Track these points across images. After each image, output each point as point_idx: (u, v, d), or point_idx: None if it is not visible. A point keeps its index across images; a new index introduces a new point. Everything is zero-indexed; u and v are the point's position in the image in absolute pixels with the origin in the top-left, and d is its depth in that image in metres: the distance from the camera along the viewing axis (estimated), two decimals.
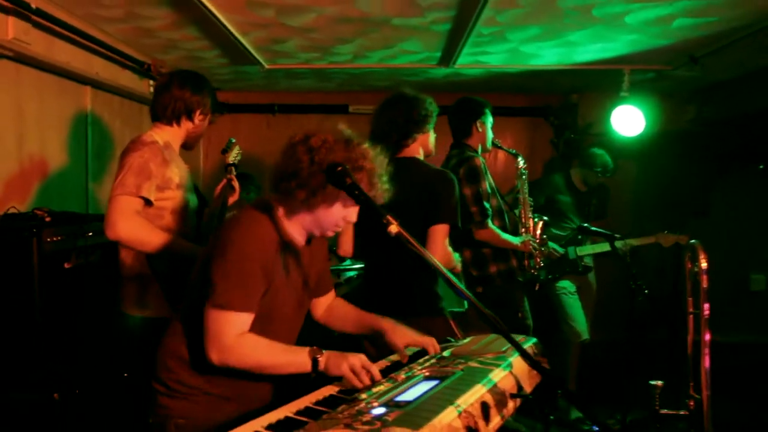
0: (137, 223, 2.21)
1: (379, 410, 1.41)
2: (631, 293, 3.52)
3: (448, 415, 1.37)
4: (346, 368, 1.63)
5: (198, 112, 2.51)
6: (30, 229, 2.24)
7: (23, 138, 2.81)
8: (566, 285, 4.24)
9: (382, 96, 2.89)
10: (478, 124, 3.47)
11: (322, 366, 1.65)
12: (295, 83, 4.79)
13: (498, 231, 3.34)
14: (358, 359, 1.65)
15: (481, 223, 3.25)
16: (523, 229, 3.66)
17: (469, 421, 1.42)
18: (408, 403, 1.46)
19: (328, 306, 2.13)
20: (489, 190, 3.38)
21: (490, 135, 3.52)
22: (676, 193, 5.11)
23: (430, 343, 1.97)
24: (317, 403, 1.59)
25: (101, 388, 2.43)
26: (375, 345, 2.38)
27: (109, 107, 3.62)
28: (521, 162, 3.69)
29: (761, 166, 4.87)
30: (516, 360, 1.84)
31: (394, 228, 1.53)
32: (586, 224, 3.76)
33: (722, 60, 3.84)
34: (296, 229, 1.79)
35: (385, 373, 1.78)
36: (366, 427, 1.29)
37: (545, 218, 3.69)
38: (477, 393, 1.53)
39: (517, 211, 3.77)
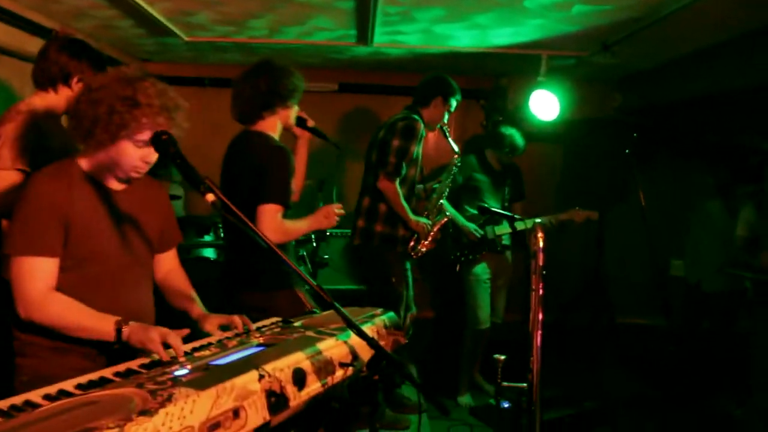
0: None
1: (182, 371, 1.46)
2: (526, 271, 3.62)
3: (248, 377, 1.43)
4: (153, 341, 1.66)
5: (75, 79, 2.44)
6: None
7: None
8: (480, 272, 4.33)
9: (311, 73, 2.91)
10: (437, 102, 3.61)
11: (125, 336, 1.69)
12: (222, 57, 4.77)
13: (400, 193, 3.42)
14: (158, 333, 1.67)
15: (389, 174, 3.34)
16: (426, 213, 3.73)
17: (272, 385, 1.47)
18: (217, 366, 1.52)
19: (168, 271, 2.15)
20: (414, 156, 3.46)
21: (443, 116, 3.64)
22: (598, 178, 5.24)
23: (238, 320, 1.97)
24: (142, 365, 1.63)
25: None
26: None
27: (19, 73, 3.57)
28: (456, 159, 3.80)
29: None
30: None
31: (210, 196, 1.57)
32: (485, 204, 3.85)
33: (634, 48, 3.92)
34: (105, 172, 1.85)
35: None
36: (155, 386, 1.34)
37: (449, 215, 3.77)
38: (292, 359, 1.59)
39: (431, 198, 3.84)
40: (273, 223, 2.50)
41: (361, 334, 1.66)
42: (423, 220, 3.61)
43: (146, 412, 1.18)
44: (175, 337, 1.69)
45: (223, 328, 1.99)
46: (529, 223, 4.37)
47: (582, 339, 5.06)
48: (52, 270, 1.73)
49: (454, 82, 3.66)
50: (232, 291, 2.69)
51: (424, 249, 3.68)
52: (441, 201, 3.80)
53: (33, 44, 3.48)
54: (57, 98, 2.46)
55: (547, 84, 4.21)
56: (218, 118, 5.14)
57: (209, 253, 3.86)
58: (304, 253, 4.16)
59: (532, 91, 4.27)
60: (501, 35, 3.73)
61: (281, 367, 1.53)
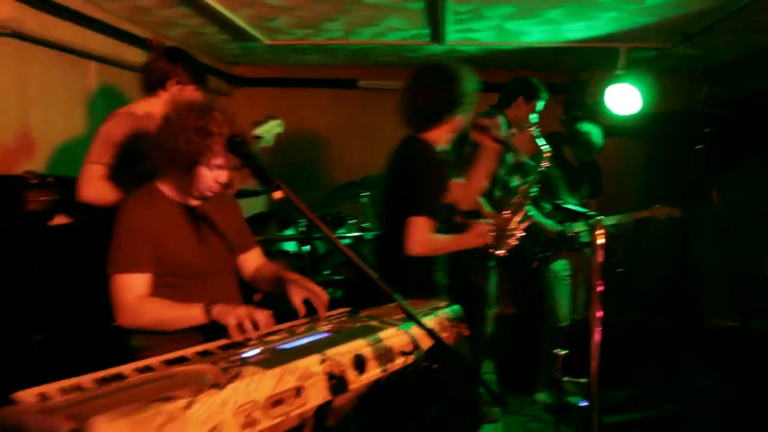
0: (100, 187, 2.47)
1: (252, 353, 1.60)
2: (605, 270, 3.56)
3: (310, 360, 1.54)
4: (232, 318, 1.82)
5: (173, 82, 2.69)
6: (15, 190, 2.52)
7: (26, 110, 3.09)
8: (559, 268, 4.28)
9: (389, 71, 2.94)
10: (518, 102, 3.58)
11: (214, 314, 1.86)
12: (303, 58, 4.97)
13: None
14: (247, 310, 1.83)
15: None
16: (509, 210, 3.68)
17: (333, 369, 1.57)
18: (284, 350, 1.64)
19: (256, 267, 2.32)
20: None
21: (528, 116, 3.57)
22: (682, 173, 5.05)
23: (320, 293, 2.06)
24: (219, 347, 1.79)
25: (80, 332, 2.69)
26: None
27: (119, 81, 3.88)
28: (545, 160, 3.69)
29: None
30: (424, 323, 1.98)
31: (278, 194, 1.69)
32: (559, 201, 3.80)
33: (718, 39, 3.79)
34: (176, 192, 2.07)
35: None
36: (226, 365, 1.47)
37: (530, 214, 3.70)
38: (353, 345, 1.68)
39: (513, 196, 3.79)
40: (421, 236, 2.45)
41: (420, 324, 1.74)
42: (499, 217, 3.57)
43: (216, 386, 1.32)
44: (256, 314, 1.84)
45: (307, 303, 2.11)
46: (613, 220, 4.29)
47: (667, 340, 4.92)
48: (144, 283, 1.96)
49: (538, 81, 3.60)
50: None
51: (506, 248, 3.65)
52: (526, 201, 3.72)
53: (129, 53, 3.79)
54: (158, 102, 2.71)
55: (626, 77, 4.11)
56: (300, 117, 5.43)
57: (290, 246, 4.05)
58: None
59: (610, 84, 4.18)
60: (574, 30, 3.70)
61: (342, 353, 1.63)
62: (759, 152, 4.96)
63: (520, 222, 3.62)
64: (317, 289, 2.10)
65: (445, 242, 2.60)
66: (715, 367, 4.63)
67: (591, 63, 4.81)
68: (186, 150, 1.94)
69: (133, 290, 1.93)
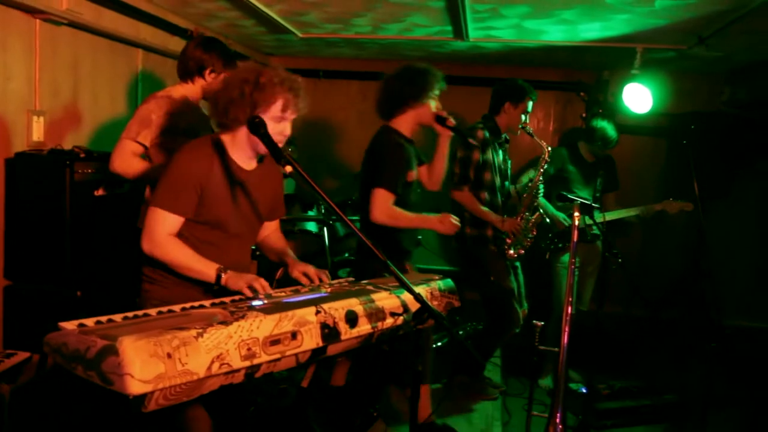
0: (130, 161, 2.75)
1: (258, 303, 1.86)
2: (604, 261, 3.71)
3: (306, 311, 1.80)
4: (242, 282, 2.07)
5: (208, 70, 2.95)
6: (64, 161, 2.84)
7: (77, 91, 3.42)
8: (569, 260, 4.44)
9: None
10: (506, 107, 3.74)
11: (223, 281, 2.10)
12: (335, 50, 5.22)
13: (474, 199, 3.64)
14: (256, 279, 2.08)
15: (456, 185, 3.59)
16: (520, 212, 3.84)
17: (326, 320, 1.83)
18: (286, 302, 1.90)
19: (269, 233, 2.56)
20: (481, 162, 3.66)
21: (520, 119, 3.72)
22: (702, 172, 5.12)
23: (312, 270, 2.33)
24: (232, 300, 2.06)
25: (116, 289, 2.99)
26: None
27: (162, 67, 4.21)
28: (546, 156, 3.84)
29: None
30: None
31: (288, 168, 1.94)
32: (564, 192, 3.93)
33: (733, 41, 3.88)
34: (240, 151, 2.23)
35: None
36: (234, 309, 1.75)
37: (540, 212, 3.87)
38: (346, 303, 1.94)
39: (522, 196, 3.96)
40: (382, 205, 2.88)
41: (407, 288, 1.97)
42: (511, 219, 3.73)
43: (224, 323, 1.59)
44: (261, 281, 2.10)
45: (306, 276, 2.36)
46: (617, 214, 4.44)
47: (677, 335, 5.02)
48: (177, 224, 2.16)
49: (523, 82, 3.75)
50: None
51: (521, 251, 3.81)
52: (535, 199, 3.87)
53: (173, 43, 4.11)
54: (194, 88, 2.98)
55: (640, 77, 4.24)
56: (331, 106, 5.71)
57: (311, 226, 4.32)
58: None
59: (626, 84, 4.31)
60: (590, 30, 3.84)
61: (336, 307, 1.89)
62: None
63: (531, 221, 3.81)
64: (309, 267, 2.35)
65: (405, 216, 2.96)
66: (722, 364, 4.73)
67: (612, 62, 4.94)
68: (240, 101, 2.09)
69: (167, 227, 2.13)
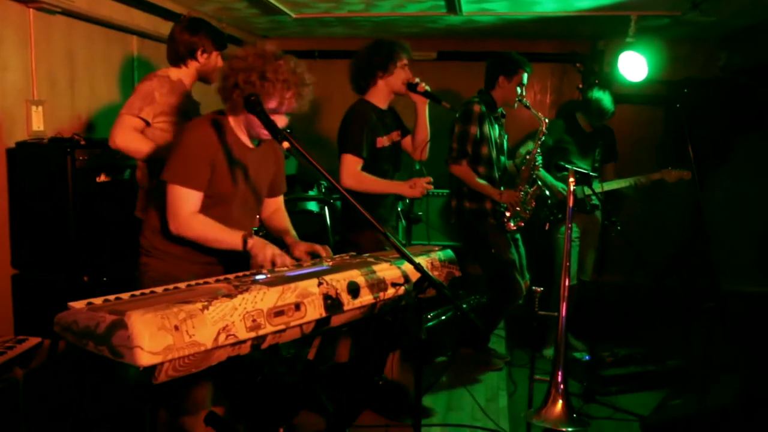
0: (132, 136, 2.77)
1: (262, 276, 1.90)
2: (604, 229, 3.74)
3: (309, 282, 1.83)
4: (269, 250, 2.13)
5: (200, 51, 2.96)
6: (65, 149, 2.87)
7: (73, 79, 3.44)
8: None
9: (410, 42, 3.27)
10: (501, 81, 3.74)
11: (249, 246, 2.15)
12: (329, 30, 5.22)
13: (472, 173, 3.66)
14: (281, 255, 2.15)
15: (453, 159, 3.62)
16: (518, 184, 3.86)
17: (329, 291, 1.87)
18: (289, 276, 1.94)
19: (273, 211, 2.61)
20: (478, 137, 3.67)
21: (516, 92, 3.72)
22: (700, 139, 5.13)
23: (320, 248, 2.36)
24: (237, 277, 2.10)
25: (122, 272, 3.03)
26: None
27: (157, 53, 4.21)
28: (543, 128, 3.84)
29: None
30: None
31: (286, 144, 1.97)
32: (561, 162, 3.95)
33: (728, 5, 3.87)
34: (240, 129, 2.28)
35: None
36: (238, 282, 1.78)
37: (539, 184, 3.88)
38: (348, 274, 1.97)
39: (520, 169, 3.97)
40: (349, 170, 3.00)
41: (407, 258, 2.00)
42: (509, 191, 3.74)
43: (228, 296, 1.62)
44: (286, 258, 2.16)
45: (312, 255, 2.40)
46: (615, 184, 4.46)
47: (679, 302, 5.06)
48: (198, 200, 2.19)
49: (516, 54, 3.75)
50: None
51: (521, 224, 3.85)
52: (533, 171, 3.86)
53: (167, 28, 4.04)
54: (188, 71, 3.00)
55: (635, 45, 4.24)
56: (327, 86, 5.69)
57: (312, 206, 4.36)
58: (400, 209, 4.53)
59: (621, 52, 4.31)
60: None
61: (338, 279, 1.92)
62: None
63: (530, 193, 3.83)
64: (315, 245, 2.39)
65: (372, 180, 3.08)
66: (726, 330, 4.77)
67: (606, 31, 4.93)
68: (243, 88, 2.11)
69: (190, 205, 2.16)
